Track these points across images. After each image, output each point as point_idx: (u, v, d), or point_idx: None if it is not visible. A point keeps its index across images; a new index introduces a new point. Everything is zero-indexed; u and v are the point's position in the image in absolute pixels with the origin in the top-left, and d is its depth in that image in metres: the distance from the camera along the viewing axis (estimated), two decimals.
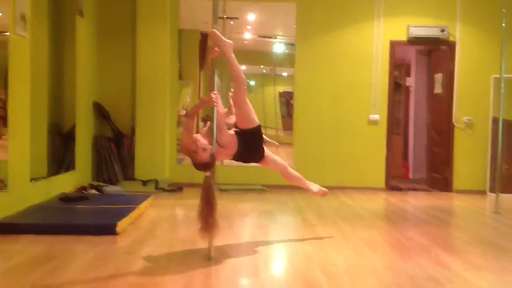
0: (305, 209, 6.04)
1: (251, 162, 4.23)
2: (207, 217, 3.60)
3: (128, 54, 7.69)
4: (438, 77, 8.34)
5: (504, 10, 6.18)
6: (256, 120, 4.05)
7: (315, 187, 4.67)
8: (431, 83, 8.75)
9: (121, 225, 4.51)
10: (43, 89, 5.96)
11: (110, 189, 6.68)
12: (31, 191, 5.29)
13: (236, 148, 3.97)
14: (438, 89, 8.37)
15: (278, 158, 4.41)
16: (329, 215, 5.69)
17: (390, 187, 7.95)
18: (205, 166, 3.75)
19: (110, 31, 7.66)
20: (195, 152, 3.76)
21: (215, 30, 3.85)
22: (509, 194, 7.39)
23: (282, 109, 9.52)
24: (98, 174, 7.43)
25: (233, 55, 3.89)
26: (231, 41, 3.96)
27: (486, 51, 7.78)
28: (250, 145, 4.03)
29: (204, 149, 3.76)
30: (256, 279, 3.33)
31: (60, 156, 6.51)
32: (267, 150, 4.24)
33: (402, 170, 9.55)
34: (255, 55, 9.51)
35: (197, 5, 7.86)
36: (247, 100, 3.99)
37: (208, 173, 3.70)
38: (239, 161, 4.17)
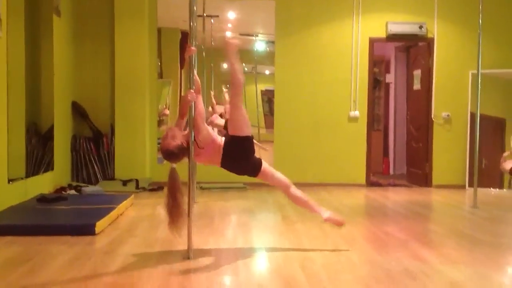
0: (285, 207, 6.05)
1: (242, 174, 4.00)
2: (173, 210, 3.58)
3: (106, 53, 7.64)
4: (417, 73, 8.42)
5: (480, 7, 6.25)
6: (245, 130, 3.87)
7: (326, 213, 4.11)
8: (410, 80, 8.83)
9: (100, 225, 4.48)
10: (20, 89, 5.88)
11: (89, 189, 6.63)
12: (9, 192, 5.23)
13: (221, 154, 3.84)
14: (417, 85, 8.45)
15: (279, 175, 4.05)
16: (308, 212, 5.70)
17: (371, 183, 8.01)
18: (170, 155, 3.68)
19: (87, 30, 7.60)
20: (164, 138, 3.71)
21: (235, 42, 3.82)
22: (488, 188, 7.49)
23: (265, 108, 9.51)
24: (77, 174, 7.38)
25: (237, 61, 3.81)
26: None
27: (464, 47, 7.87)
28: (235, 154, 3.84)
29: (173, 137, 3.68)
30: (235, 277, 3.34)
31: (38, 156, 6.44)
32: (266, 165, 3.98)
33: (382, 166, 9.63)
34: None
35: (176, 3, 7.79)
36: (241, 106, 3.85)
37: (174, 165, 3.66)
38: (229, 170, 3.99)
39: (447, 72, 7.96)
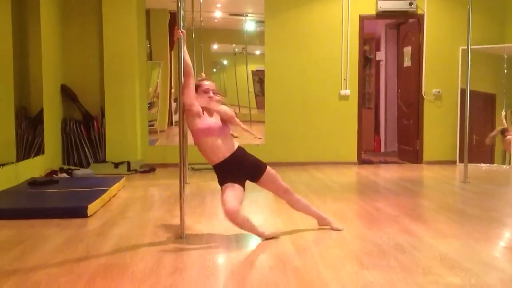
0: None
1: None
2: None
3: (94, 34, 7.56)
4: (407, 50, 8.41)
5: None
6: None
7: (324, 220, 3.95)
8: (400, 57, 8.82)
9: (92, 207, 4.48)
10: (8, 72, 5.83)
11: (81, 172, 6.62)
12: None
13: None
14: (407, 63, 8.44)
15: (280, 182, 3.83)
16: (300, 190, 5.72)
17: (362, 161, 8.04)
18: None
19: (75, 11, 7.52)
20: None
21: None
22: (478, 164, 7.54)
23: (256, 88, 9.47)
24: (68, 158, 7.36)
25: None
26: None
27: (454, 23, 7.86)
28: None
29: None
30: (227, 255, 3.36)
31: (28, 140, 6.41)
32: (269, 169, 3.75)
33: (373, 144, 9.67)
34: (227, 33, 9.41)
35: None
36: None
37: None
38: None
39: (437, 48, 7.95)
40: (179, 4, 3.79)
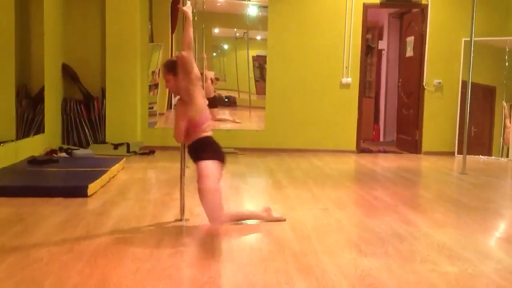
0: (276, 171, 6.10)
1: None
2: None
3: (97, 14, 7.52)
4: (410, 40, 8.39)
5: None
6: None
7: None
8: (402, 46, 8.80)
9: (92, 187, 4.49)
10: (10, 50, 5.80)
11: (80, 152, 6.62)
12: None
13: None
14: (409, 52, 8.43)
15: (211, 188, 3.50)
16: (299, 177, 5.76)
17: (361, 150, 8.06)
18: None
19: None
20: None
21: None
22: (476, 156, 7.57)
23: (256, 73, 9.45)
24: (68, 137, 7.36)
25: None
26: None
27: (457, 14, 7.83)
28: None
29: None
30: (227, 239, 3.38)
31: (28, 119, 6.40)
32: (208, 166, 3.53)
33: (372, 133, 9.69)
34: (229, 17, 9.37)
35: None
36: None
37: None
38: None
39: (440, 39, 7.94)
40: None
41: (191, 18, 3.60)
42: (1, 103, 5.32)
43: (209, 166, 3.50)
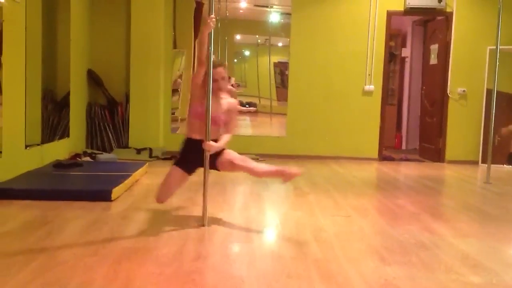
0: (297, 178, 6.04)
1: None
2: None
3: (122, 21, 7.62)
4: (434, 48, 8.33)
5: None
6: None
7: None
8: (426, 54, 8.74)
9: (116, 191, 4.54)
10: (37, 56, 5.91)
11: (104, 156, 6.70)
12: (26, 157, 5.31)
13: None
14: (433, 60, 8.37)
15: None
16: (320, 183, 5.75)
17: (383, 158, 8.01)
18: None
19: None
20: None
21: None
22: (501, 165, 7.47)
23: (277, 80, 9.49)
24: (91, 142, 7.46)
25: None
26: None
27: (483, 22, 7.75)
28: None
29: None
30: (249, 244, 3.39)
31: (54, 123, 6.51)
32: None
33: (394, 141, 9.62)
34: (251, 24, 9.43)
35: None
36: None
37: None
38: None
39: (464, 47, 7.87)
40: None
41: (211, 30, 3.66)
42: (27, 107, 5.41)
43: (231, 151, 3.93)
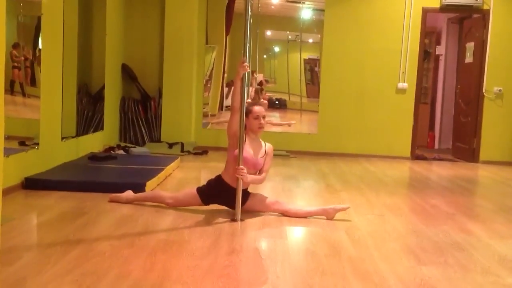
0: (328, 175, 6.07)
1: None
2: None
3: (156, 17, 7.69)
4: (470, 46, 8.17)
5: None
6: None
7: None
8: (461, 52, 8.58)
9: (149, 184, 4.60)
10: (73, 50, 6.01)
11: (137, 150, 6.79)
12: (62, 149, 5.41)
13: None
14: (469, 58, 8.21)
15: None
16: (352, 181, 5.71)
17: (416, 157, 7.90)
18: None
19: None
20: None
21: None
22: None
23: (307, 76, 9.45)
24: (125, 135, 7.55)
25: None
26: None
27: None
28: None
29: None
30: (282, 240, 3.39)
31: (88, 116, 6.61)
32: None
33: (427, 140, 9.48)
34: (282, 20, 9.42)
35: None
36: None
37: None
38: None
39: (501, 45, 7.69)
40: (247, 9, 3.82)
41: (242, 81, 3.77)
42: (63, 100, 5.51)
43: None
